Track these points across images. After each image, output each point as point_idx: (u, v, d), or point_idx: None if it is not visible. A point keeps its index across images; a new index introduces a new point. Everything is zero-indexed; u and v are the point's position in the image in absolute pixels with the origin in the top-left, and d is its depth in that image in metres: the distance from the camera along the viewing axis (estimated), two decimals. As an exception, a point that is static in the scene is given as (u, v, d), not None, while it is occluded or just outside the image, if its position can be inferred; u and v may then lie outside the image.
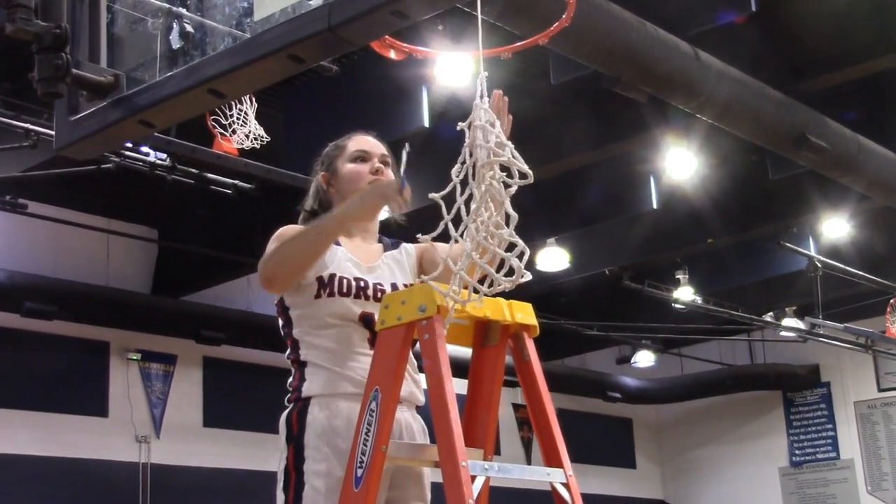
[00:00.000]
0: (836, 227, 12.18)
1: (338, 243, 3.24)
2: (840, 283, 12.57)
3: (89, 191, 11.87)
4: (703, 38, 8.10)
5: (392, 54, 3.04)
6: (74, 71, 2.90)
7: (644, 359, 17.37)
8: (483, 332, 2.94)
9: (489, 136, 2.76)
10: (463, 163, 2.76)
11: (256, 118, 8.23)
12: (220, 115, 7.98)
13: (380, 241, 3.40)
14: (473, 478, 2.59)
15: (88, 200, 12.49)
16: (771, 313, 13.77)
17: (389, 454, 2.75)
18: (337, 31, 2.57)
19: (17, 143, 7.79)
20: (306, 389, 3.03)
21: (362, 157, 3.32)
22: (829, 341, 13.35)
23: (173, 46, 3.00)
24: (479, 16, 2.68)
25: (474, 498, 2.54)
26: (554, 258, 12.73)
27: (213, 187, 8.96)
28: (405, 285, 3.26)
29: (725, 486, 18.56)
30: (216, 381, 13.73)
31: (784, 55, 9.13)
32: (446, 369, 2.65)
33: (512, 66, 9.79)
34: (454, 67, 9.14)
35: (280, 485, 2.96)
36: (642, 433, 19.70)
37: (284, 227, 3.20)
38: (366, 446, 2.72)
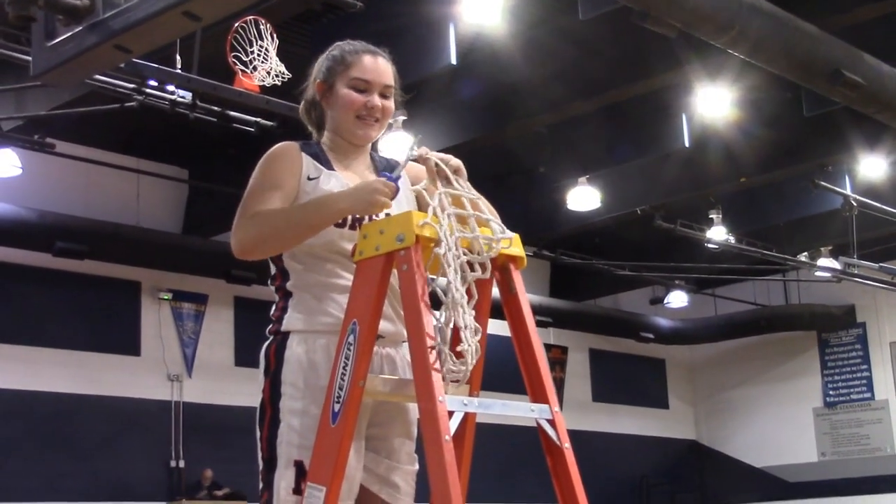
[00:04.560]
0: (872, 166, 11.93)
1: (332, 168, 3.08)
2: (876, 223, 12.37)
3: (119, 130, 11.84)
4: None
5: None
6: (48, -6, 2.81)
7: (677, 299, 17.23)
8: (470, 265, 2.83)
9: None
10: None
11: (279, 55, 8.08)
12: (240, 52, 7.85)
13: (372, 159, 3.21)
14: (451, 413, 2.51)
15: (118, 140, 12.47)
16: (805, 253, 13.58)
17: (367, 389, 2.66)
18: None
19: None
20: (287, 323, 2.91)
21: (362, 87, 3.10)
22: (864, 281, 13.16)
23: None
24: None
25: (451, 434, 2.46)
26: (585, 198, 12.59)
27: (236, 125, 8.88)
28: None
29: (759, 426, 18.45)
30: (247, 320, 13.74)
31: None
32: (424, 301, 2.56)
33: (540, 2, 9.65)
34: (482, 4, 8.98)
35: (256, 420, 2.88)
36: (675, 374, 19.62)
37: (251, 189, 3.00)
38: (343, 381, 2.64)
